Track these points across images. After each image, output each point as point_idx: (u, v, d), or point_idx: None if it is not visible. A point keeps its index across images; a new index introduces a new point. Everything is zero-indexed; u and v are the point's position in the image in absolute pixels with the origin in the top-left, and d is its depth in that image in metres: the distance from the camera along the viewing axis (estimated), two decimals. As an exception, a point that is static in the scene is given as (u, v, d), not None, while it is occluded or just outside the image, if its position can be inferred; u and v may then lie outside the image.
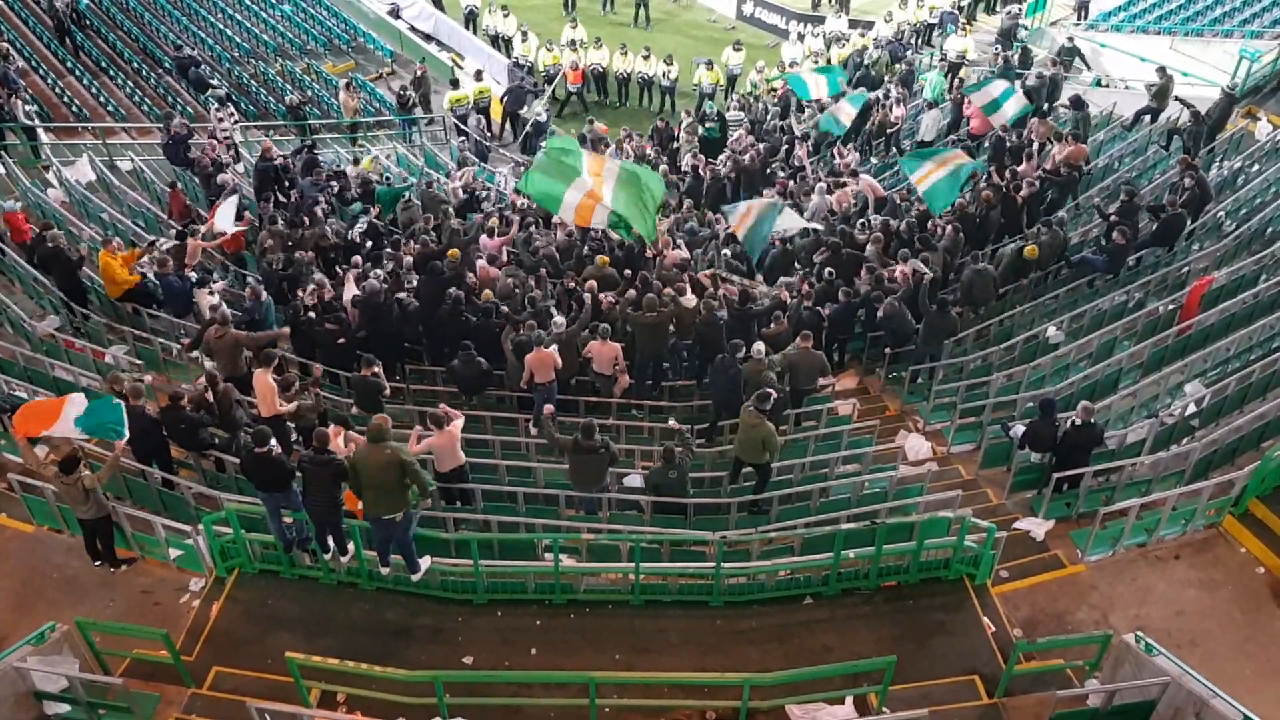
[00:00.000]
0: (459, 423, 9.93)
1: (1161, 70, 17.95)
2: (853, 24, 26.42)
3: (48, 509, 9.54)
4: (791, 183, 17.73)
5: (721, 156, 19.49)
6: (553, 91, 24.04)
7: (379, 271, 13.51)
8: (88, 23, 22.92)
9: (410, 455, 8.35)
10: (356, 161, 18.65)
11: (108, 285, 12.87)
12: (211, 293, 12.65)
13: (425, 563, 9.06)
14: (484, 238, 14.88)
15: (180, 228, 14.39)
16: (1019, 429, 10.66)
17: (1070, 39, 22.10)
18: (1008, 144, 17.23)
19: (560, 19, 27.24)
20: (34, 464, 9.55)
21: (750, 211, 14.03)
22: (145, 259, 13.20)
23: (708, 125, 21.25)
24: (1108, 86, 21.20)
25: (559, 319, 11.96)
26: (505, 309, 12.69)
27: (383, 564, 9.08)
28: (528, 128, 22.30)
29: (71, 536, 9.63)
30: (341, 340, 12.05)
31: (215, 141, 17.41)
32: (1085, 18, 26.32)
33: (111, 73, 21.11)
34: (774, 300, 13.12)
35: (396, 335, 12.72)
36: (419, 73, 22.44)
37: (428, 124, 22.71)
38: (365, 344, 12.10)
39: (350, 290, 12.68)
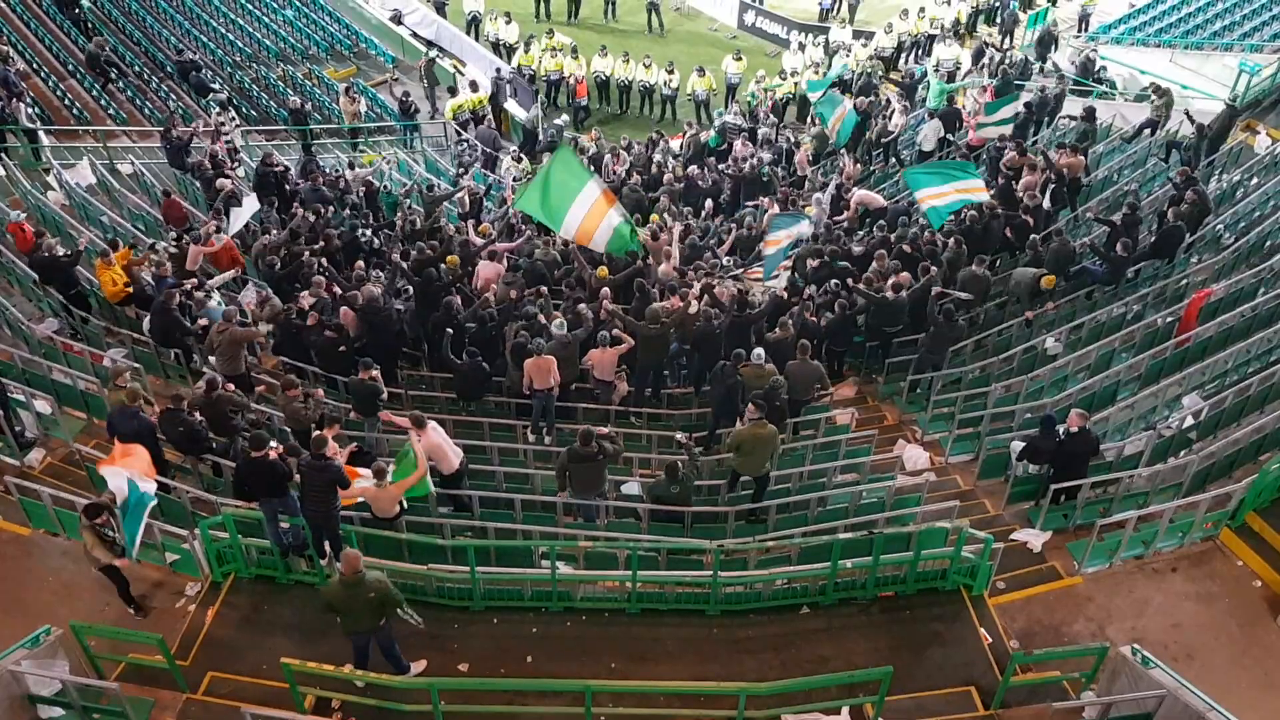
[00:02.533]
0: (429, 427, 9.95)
1: (1158, 89, 17.96)
2: (856, 34, 26.49)
3: (44, 512, 9.51)
4: (796, 190, 17.79)
5: (720, 166, 19.53)
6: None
7: (377, 274, 13.55)
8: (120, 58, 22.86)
9: (389, 589, 7.86)
10: (352, 165, 18.71)
11: (105, 290, 12.87)
12: (208, 295, 12.67)
13: (418, 666, 8.56)
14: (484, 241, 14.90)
15: (179, 233, 14.38)
16: (1017, 444, 10.66)
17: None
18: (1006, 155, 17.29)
19: (567, 27, 27.41)
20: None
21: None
22: (147, 264, 13.23)
23: (711, 134, 21.32)
24: (1110, 98, 21.25)
25: (558, 321, 11.97)
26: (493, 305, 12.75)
27: (358, 666, 8.27)
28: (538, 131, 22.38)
29: (67, 540, 9.60)
30: (342, 349, 12.05)
31: (217, 148, 17.40)
32: (1086, 29, 26.44)
33: (112, 76, 21.10)
34: (772, 303, 13.11)
35: (394, 340, 12.74)
36: (423, 65, 22.72)
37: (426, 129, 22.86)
38: (362, 348, 12.12)
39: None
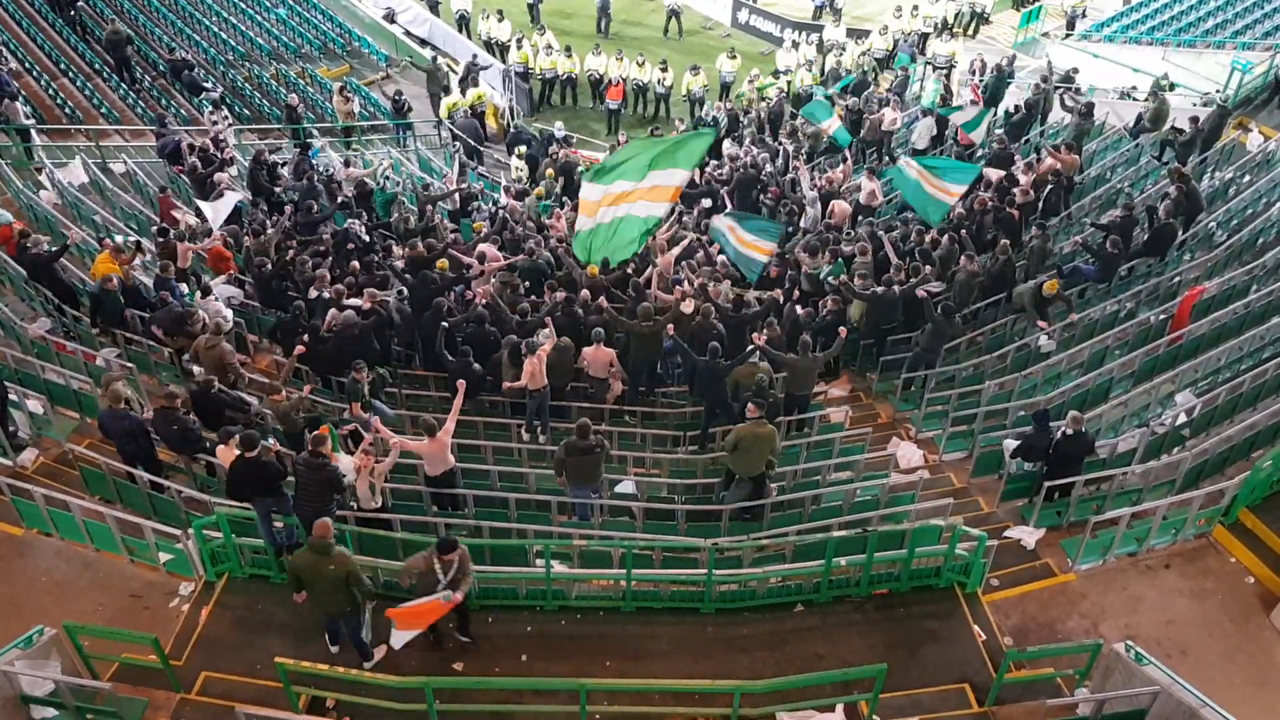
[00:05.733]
0: (450, 426, 9.92)
1: (1155, 94, 17.95)
2: (849, 33, 26.53)
3: (37, 512, 9.48)
4: (790, 189, 17.81)
5: (712, 165, 19.54)
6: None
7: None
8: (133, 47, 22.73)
9: (355, 566, 7.90)
10: (348, 164, 18.70)
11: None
12: (216, 298, 12.65)
13: (379, 653, 8.65)
14: (486, 247, 14.85)
15: (162, 226, 14.34)
16: (1010, 443, 10.68)
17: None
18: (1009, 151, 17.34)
19: (565, 28, 27.42)
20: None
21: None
22: (137, 261, 13.19)
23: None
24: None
25: (546, 331, 11.96)
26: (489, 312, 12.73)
27: (332, 644, 8.57)
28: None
29: (60, 540, 9.58)
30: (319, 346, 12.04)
31: (207, 142, 17.36)
32: (1075, 29, 26.51)
33: (105, 75, 21.07)
34: (767, 304, 13.13)
35: (386, 343, 12.76)
36: (436, 68, 22.84)
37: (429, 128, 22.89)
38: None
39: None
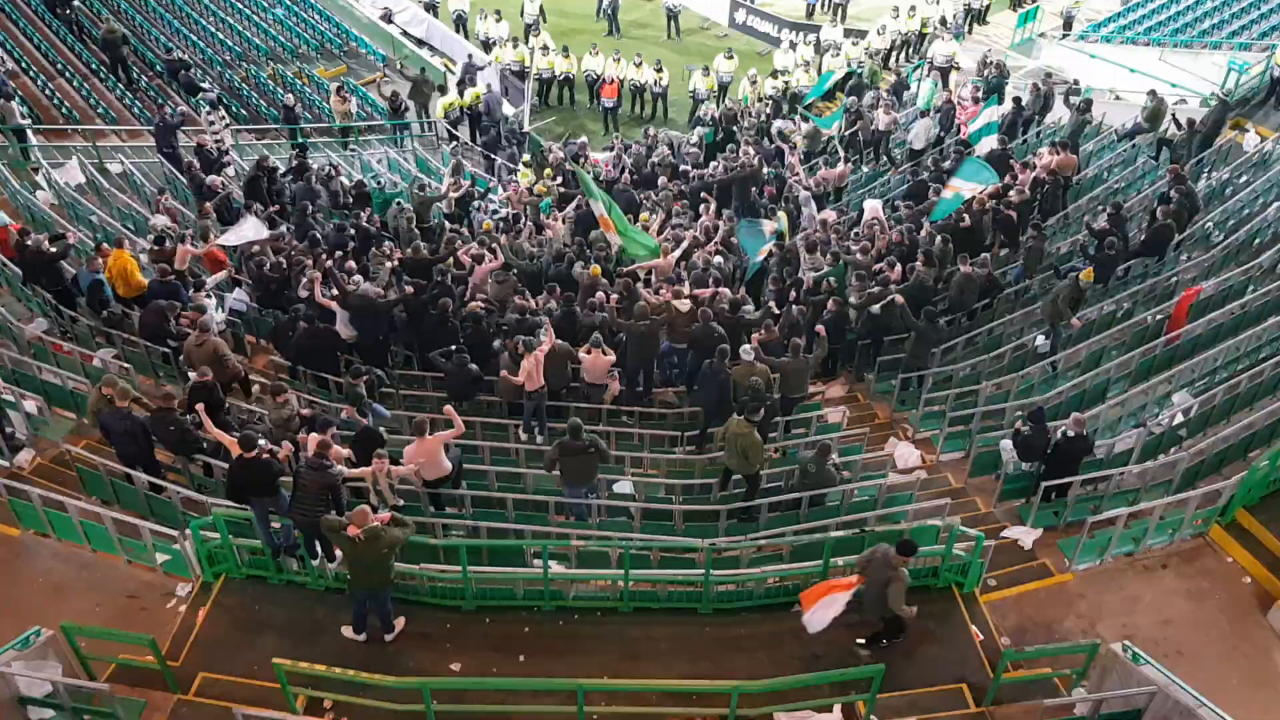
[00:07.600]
0: (447, 433, 9.91)
1: (1152, 93, 17.97)
2: (846, 33, 26.54)
3: (34, 513, 9.47)
4: (786, 188, 17.84)
5: (714, 164, 19.53)
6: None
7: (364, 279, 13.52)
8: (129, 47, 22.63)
9: (400, 535, 8.31)
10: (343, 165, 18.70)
11: (122, 284, 12.72)
12: (209, 295, 12.61)
13: (400, 623, 8.93)
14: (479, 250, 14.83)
15: (161, 234, 14.29)
16: (1007, 443, 10.68)
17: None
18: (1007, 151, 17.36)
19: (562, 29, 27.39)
20: None
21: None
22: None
23: (704, 129, 21.37)
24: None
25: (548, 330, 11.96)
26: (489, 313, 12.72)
27: (357, 631, 8.80)
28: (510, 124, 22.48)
29: (57, 541, 9.56)
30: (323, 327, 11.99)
31: (206, 138, 17.32)
32: (1071, 29, 26.55)
33: (102, 75, 21.04)
34: (765, 307, 13.14)
35: (385, 340, 12.73)
36: (424, 79, 22.60)
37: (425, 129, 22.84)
38: (352, 346, 12.11)
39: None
